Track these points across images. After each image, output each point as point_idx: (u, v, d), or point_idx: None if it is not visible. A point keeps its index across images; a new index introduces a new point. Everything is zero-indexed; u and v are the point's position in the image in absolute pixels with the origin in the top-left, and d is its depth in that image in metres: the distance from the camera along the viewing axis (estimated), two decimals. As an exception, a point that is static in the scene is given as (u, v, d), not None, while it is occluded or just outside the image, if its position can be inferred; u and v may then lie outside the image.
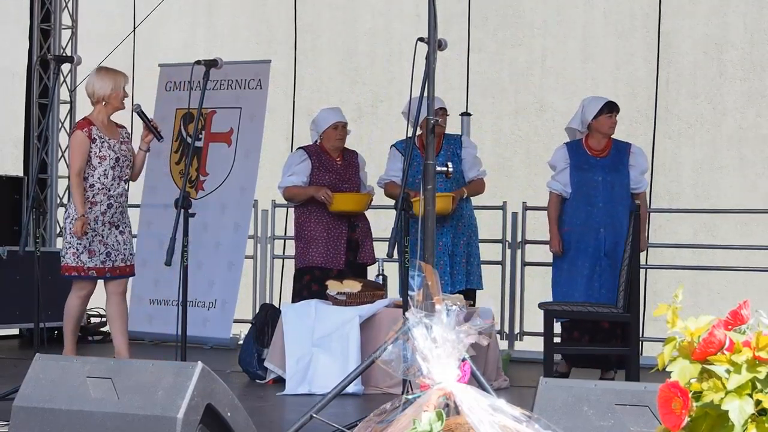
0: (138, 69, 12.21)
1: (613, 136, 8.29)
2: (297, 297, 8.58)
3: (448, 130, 8.58)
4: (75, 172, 7.68)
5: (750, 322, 2.58)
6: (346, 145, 8.72)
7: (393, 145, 8.71)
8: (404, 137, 8.63)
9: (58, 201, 11.43)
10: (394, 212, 11.14)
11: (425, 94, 5.32)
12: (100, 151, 7.71)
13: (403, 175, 5.90)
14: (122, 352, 7.84)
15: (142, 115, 7.77)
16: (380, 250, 9.11)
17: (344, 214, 8.53)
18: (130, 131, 8.15)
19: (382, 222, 10.55)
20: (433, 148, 5.18)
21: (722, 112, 11.34)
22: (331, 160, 8.64)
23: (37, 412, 4.43)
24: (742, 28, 11.34)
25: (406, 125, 8.17)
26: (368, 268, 8.82)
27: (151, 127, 7.81)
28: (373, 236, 8.87)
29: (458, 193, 8.37)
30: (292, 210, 9.14)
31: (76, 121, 8.23)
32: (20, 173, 11.32)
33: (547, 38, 11.95)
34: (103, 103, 7.75)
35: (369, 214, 8.85)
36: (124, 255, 7.84)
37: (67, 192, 10.75)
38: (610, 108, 8.22)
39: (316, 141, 8.70)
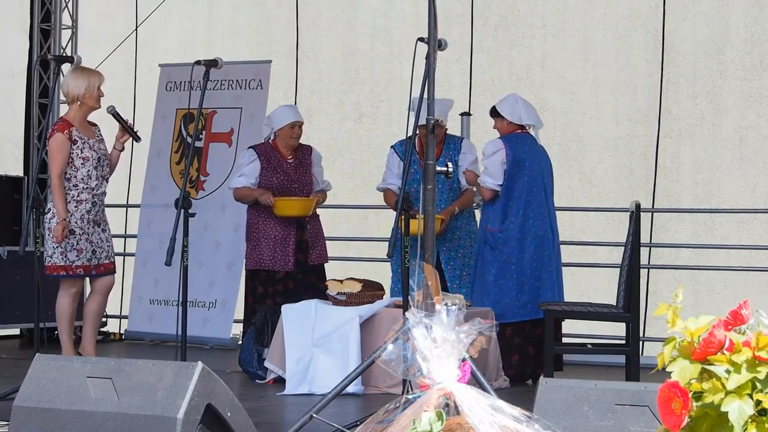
0: (138, 69, 12.22)
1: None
2: (250, 297, 8.59)
3: (448, 130, 8.55)
4: (57, 174, 7.66)
5: (750, 322, 2.58)
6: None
7: (392, 147, 8.67)
8: (404, 137, 8.61)
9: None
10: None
11: (425, 93, 5.31)
12: (82, 152, 7.70)
13: (404, 175, 5.89)
14: (90, 350, 7.84)
15: (117, 116, 7.77)
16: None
17: (291, 218, 8.51)
18: (104, 131, 8.13)
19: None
20: (434, 149, 5.17)
21: (722, 112, 11.32)
22: (282, 159, 8.60)
23: (37, 412, 4.43)
24: (742, 28, 11.33)
25: (406, 124, 8.16)
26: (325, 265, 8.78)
27: (127, 128, 7.81)
28: (326, 236, 8.84)
29: (447, 213, 8.24)
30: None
31: (54, 122, 8.20)
32: (20, 173, 11.32)
33: (547, 38, 11.94)
34: (79, 103, 7.75)
35: (321, 213, 8.80)
36: (108, 252, 7.87)
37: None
38: None
39: (269, 138, 8.67)
